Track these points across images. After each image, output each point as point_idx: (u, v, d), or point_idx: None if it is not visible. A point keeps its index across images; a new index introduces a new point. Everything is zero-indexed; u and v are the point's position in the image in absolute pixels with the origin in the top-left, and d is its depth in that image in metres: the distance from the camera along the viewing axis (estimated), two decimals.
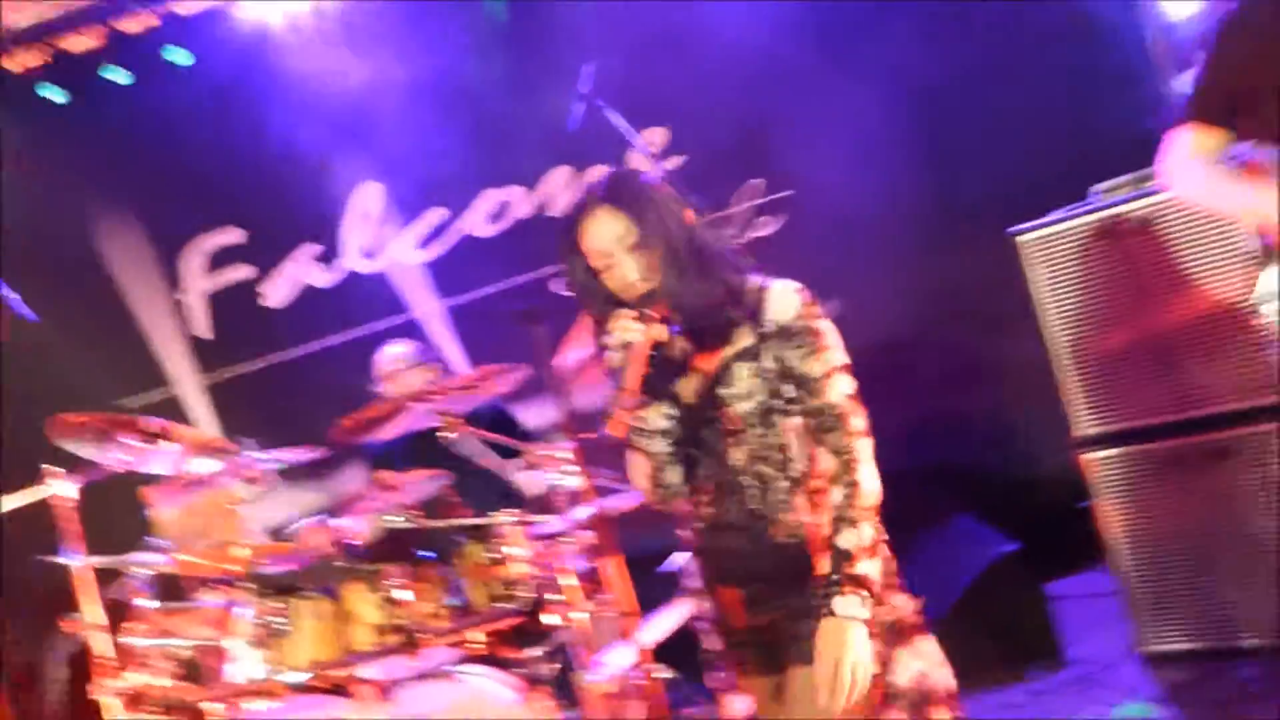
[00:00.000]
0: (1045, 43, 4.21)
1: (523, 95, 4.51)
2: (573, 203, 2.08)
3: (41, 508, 3.20)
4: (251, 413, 4.51)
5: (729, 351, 2.04)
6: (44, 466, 3.14)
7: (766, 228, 4.53)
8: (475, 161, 4.58)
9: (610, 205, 2.02)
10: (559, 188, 4.60)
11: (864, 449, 1.99)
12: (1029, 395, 3.79)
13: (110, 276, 4.64)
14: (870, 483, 1.98)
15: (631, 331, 1.99)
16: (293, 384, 4.64)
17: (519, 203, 4.62)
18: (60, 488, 3.16)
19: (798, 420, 2.02)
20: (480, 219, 4.63)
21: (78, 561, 3.14)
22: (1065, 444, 3.32)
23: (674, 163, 4.49)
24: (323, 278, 4.72)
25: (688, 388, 2.08)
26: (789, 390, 2.02)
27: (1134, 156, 3.26)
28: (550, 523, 3.16)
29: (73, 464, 3.23)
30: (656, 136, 4.52)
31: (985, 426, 4.37)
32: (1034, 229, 3.24)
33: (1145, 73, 4.03)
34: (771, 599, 2.05)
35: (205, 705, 3.13)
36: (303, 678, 3.03)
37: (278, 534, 3.75)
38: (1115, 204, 3.13)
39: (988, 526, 3.74)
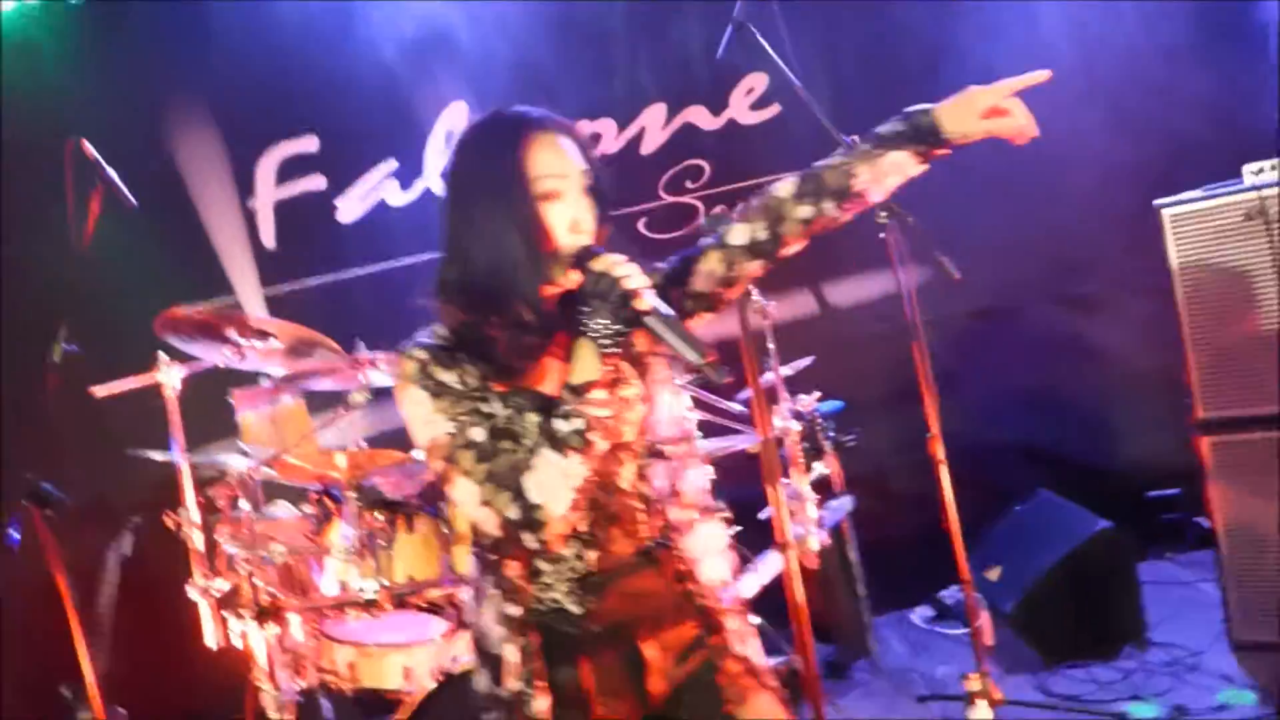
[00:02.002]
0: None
1: (628, 24, 4.41)
2: (506, 121, 1.71)
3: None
4: (317, 328, 4.38)
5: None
6: (157, 352, 3.03)
7: None
8: (568, 90, 4.46)
9: (569, 134, 1.71)
10: (654, 125, 4.48)
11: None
12: (1150, 371, 3.79)
13: (181, 179, 4.48)
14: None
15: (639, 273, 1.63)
16: (358, 302, 4.52)
17: (610, 137, 4.50)
18: (167, 375, 3.05)
19: None
20: None
21: (178, 457, 3.05)
22: (1179, 425, 3.28)
23: (772, 110, 4.42)
24: (399, 197, 4.59)
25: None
26: None
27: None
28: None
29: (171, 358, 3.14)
30: (756, 82, 4.43)
31: (1091, 405, 4.35)
32: (1179, 203, 3.18)
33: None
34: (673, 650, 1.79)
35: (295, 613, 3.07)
36: (399, 593, 2.96)
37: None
38: (1265, 186, 3.08)
39: (1078, 504, 3.71)
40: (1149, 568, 3.95)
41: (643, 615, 1.74)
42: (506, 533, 1.62)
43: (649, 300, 1.61)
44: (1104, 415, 4.36)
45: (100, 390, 3.04)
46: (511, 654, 1.70)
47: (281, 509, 3.52)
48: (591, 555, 1.72)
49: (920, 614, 4.17)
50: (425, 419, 1.65)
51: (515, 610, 1.71)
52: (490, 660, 1.72)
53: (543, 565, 1.71)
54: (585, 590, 1.72)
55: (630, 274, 1.61)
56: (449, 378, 1.66)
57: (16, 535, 3.05)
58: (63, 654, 3.13)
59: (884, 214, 3.12)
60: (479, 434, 1.64)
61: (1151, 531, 4.15)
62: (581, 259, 1.63)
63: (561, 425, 1.62)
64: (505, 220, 1.64)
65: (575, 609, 1.71)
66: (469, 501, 1.63)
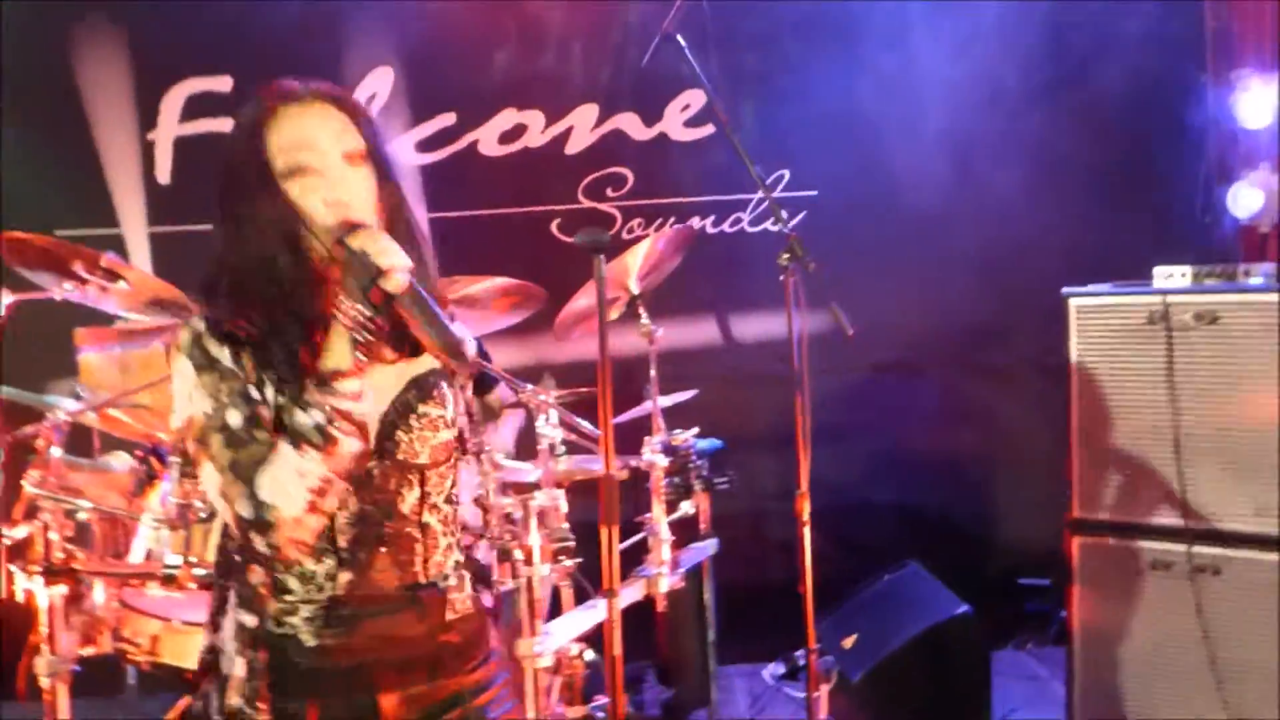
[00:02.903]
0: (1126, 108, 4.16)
1: (574, 16, 4.25)
2: (252, 99, 1.56)
3: None
4: (194, 272, 4.16)
5: (426, 361, 1.59)
6: None
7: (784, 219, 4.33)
8: (502, 75, 4.29)
9: (328, 102, 1.53)
10: (583, 126, 4.33)
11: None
12: (1032, 461, 3.73)
13: (82, 99, 4.23)
14: None
15: (400, 252, 1.46)
16: None
17: (535, 130, 4.33)
18: None
19: None
20: (493, 136, 4.33)
21: None
22: (1054, 518, 3.21)
23: (707, 130, 4.30)
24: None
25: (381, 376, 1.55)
26: None
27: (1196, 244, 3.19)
28: (526, 471, 2.94)
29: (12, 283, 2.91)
30: (693, 99, 4.30)
31: (977, 478, 4.27)
32: (1086, 295, 3.10)
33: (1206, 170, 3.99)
34: (421, 703, 1.59)
35: (86, 577, 2.85)
36: (203, 574, 2.75)
37: None
38: (1174, 291, 3.01)
39: (944, 583, 3.61)
40: (1006, 656, 3.89)
41: (389, 662, 1.55)
42: (240, 530, 1.45)
43: (400, 280, 1.44)
44: (990, 491, 4.31)
45: None
46: (239, 668, 1.52)
47: (117, 461, 3.30)
48: (344, 578, 1.53)
49: (771, 670, 4.05)
50: (187, 394, 1.48)
51: (251, 620, 1.52)
52: (220, 679, 1.54)
53: (290, 580, 1.52)
54: (328, 620, 1.53)
55: (386, 251, 1.44)
56: (224, 354, 1.48)
57: None
58: None
59: (786, 255, 3.00)
60: (235, 418, 1.46)
61: (1016, 618, 4.09)
62: (341, 236, 1.46)
63: (300, 418, 1.43)
64: (256, 210, 1.48)
65: (310, 639, 1.53)
66: (211, 489, 1.47)
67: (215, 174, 1.54)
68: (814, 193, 4.30)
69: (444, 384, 1.60)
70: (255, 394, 1.48)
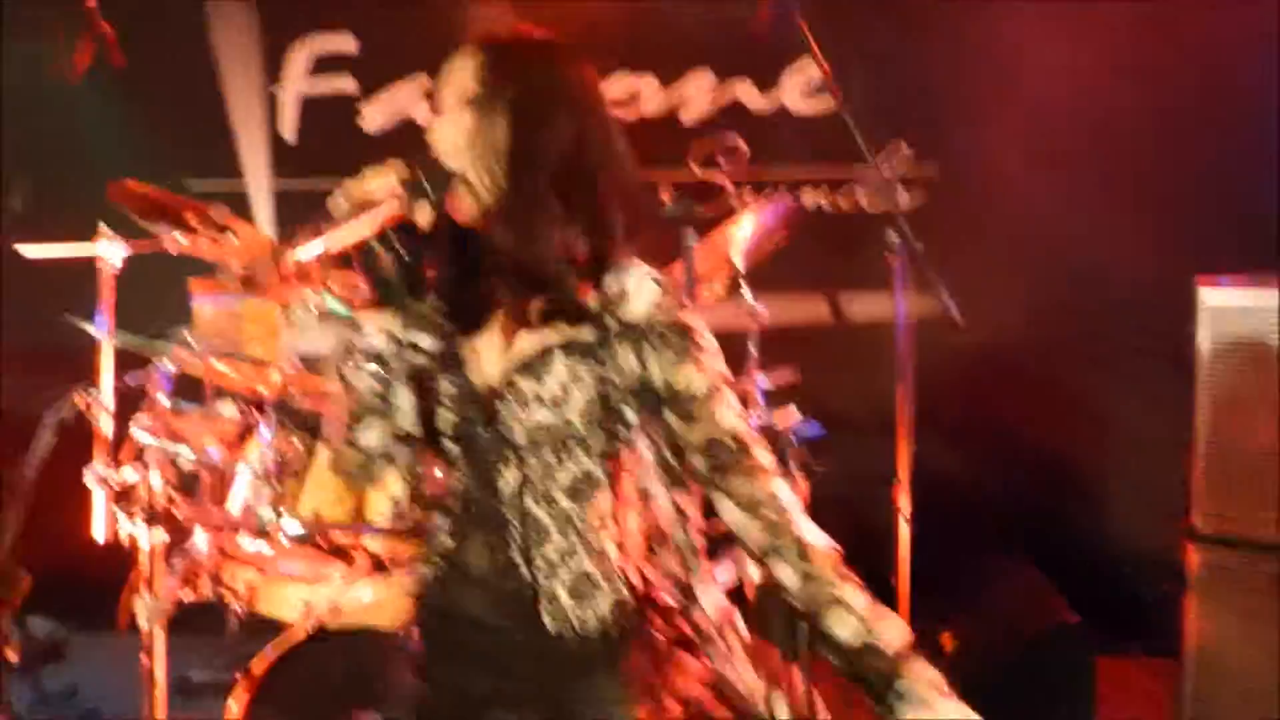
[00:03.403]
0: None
1: None
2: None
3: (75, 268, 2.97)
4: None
5: (551, 336, 1.45)
6: (100, 225, 2.89)
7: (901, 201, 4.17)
8: (614, 36, 4.22)
9: (480, 47, 1.48)
10: (698, 92, 4.23)
11: (787, 494, 1.41)
12: (1151, 461, 3.54)
13: (210, 52, 4.33)
14: (819, 536, 1.41)
15: (380, 187, 1.44)
16: None
17: (650, 96, 4.26)
18: (106, 250, 2.90)
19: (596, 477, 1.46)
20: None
21: (104, 334, 2.90)
22: (1172, 527, 3.03)
23: (825, 101, 4.15)
24: (426, 114, 4.40)
25: (481, 356, 1.48)
26: (628, 414, 1.45)
27: None
28: None
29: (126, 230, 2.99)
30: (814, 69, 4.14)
31: (1091, 476, 4.07)
32: (1220, 285, 2.89)
33: None
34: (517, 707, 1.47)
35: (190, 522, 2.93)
36: (298, 529, 2.81)
37: (313, 365, 3.50)
38: None
39: (1052, 583, 3.45)
40: (1113, 665, 3.70)
41: (480, 652, 1.55)
42: None
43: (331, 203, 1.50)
44: (1104, 491, 4.09)
45: (29, 251, 2.90)
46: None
47: (227, 409, 3.39)
48: (447, 542, 1.56)
49: None
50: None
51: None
52: None
53: (426, 531, 1.62)
54: (437, 583, 1.57)
55: (372, 175, 1.47)
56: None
57: None
58: None
59: (893, 235, 2.87)
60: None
61: (1127, 627, 3.89)
62: None
63: None
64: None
65: (426, 594, 1.60)
66: None
67: None
68: (935, 167, 4.13)
69: (559, 357, 1.44)
70: None
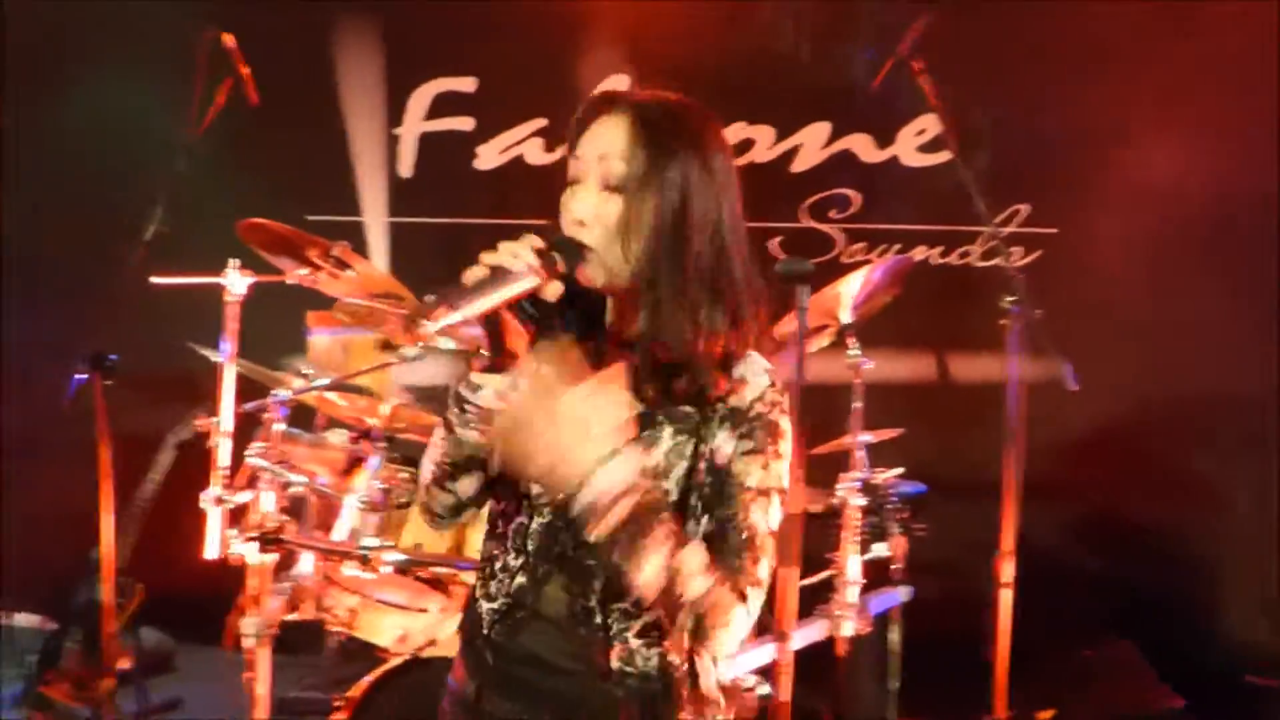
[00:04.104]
0: None
1: (816, 32, 4.16)
2: (592, 100, 1.52)
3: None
4: (428, 266, 4.34)
5: (660, 406, 1.45)
6: (230, 259, 3.01)
7: (1014, 259, 4.11)
8: (736, 87, 4.25)
9: (632, 116, 1.44)
10: (813, 144, 4.24)
11: (755, 604, 1.42)
12: (1258, 546, 3.40)
13: (338, 93, 4.49)
14: (731, 645, 1.44)
15: (518, 257, 1.39)
16: (472, 251, 4.44)
17: (764, 145, 4.28)
18: (233, 281, 3.02)
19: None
20: None
21: (226, 359, 3.02)
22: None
23: (941, 156, 4.11)
24: (540, 156, 4.49)
25: None
26: (705, 489, 1.45)
27: None
28: None
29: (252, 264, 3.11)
30: (930, 123, 4.12)
31: (1202, 558, 3.93)
32: None
33: None
34: None
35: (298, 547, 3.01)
36: (399, 559, 2.86)
37: (421, 399, 3.57)
38: None
39: (1156, 667, 3.32)
40: None
41: (539, 688, 1.53)
42: None
43: (472, 272, 1.41)
44: (1215, 574, 3.93)
45: (159, 281, 3.03)
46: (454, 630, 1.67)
47: (335, 438, 3.48)
48: (520, 581, 1.55)
49: None
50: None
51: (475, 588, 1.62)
52: None
53: (495, 567, 1.57)
54: (502, 618, 1.55)
55: (507, 250, 1.40)
56: None
57: (80, 377, 3.11)
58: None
59: (1011, 298, 2.83)
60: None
61: (1231, 713, 3.71)
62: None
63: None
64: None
65: (486, 629, 1.56)
66: None
67: None
68: (1054, 230, 4.05)
69: (668, 430, 1.45)
70: None
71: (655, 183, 1.42)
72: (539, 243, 1.41)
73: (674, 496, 1.45)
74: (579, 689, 1.50)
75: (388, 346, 3.14)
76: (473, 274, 1.39)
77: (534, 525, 1.50)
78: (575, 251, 1.44)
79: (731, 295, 1.44)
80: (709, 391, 1.44)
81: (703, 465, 1.45)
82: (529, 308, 1.42)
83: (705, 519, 1.44)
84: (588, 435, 1.35)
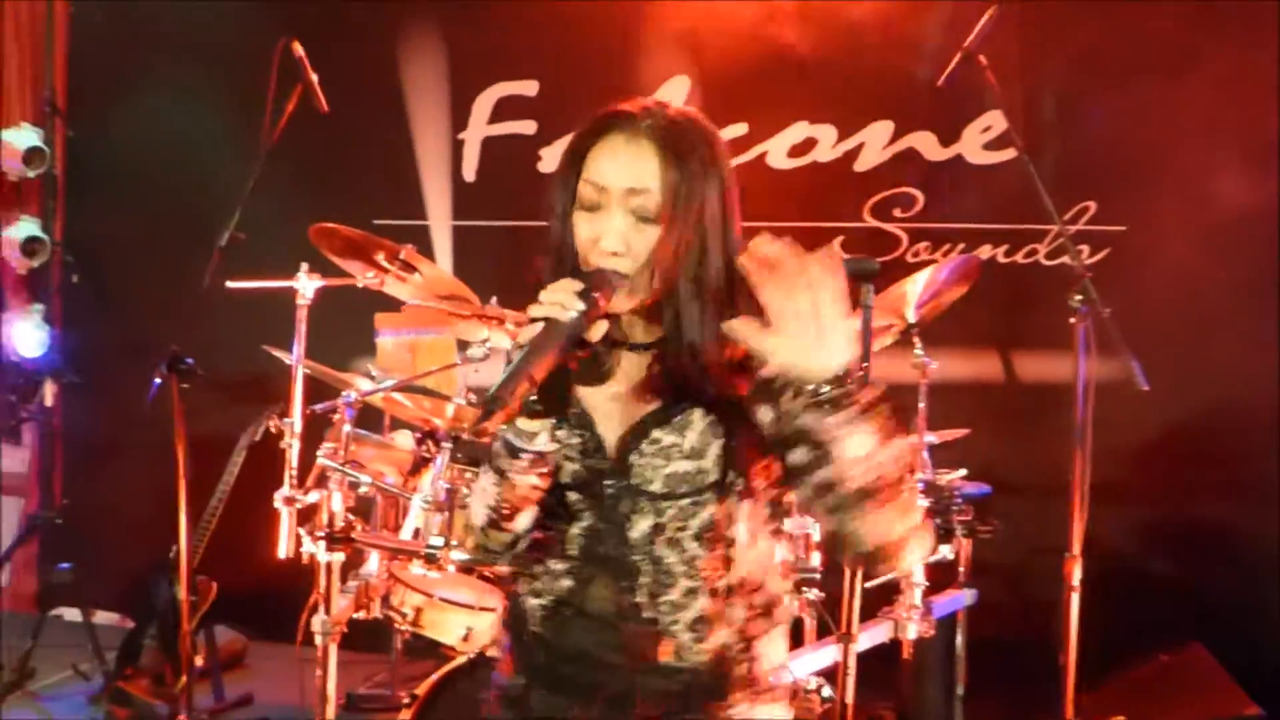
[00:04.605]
0: None
1: (878, 30, 4.12)
2: (595, 118, 1.51)
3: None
4: (490, 268, 4.39)
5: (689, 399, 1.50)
6: (303, 264, 3.08)
7: (1081, 257, 4.04)
8: (795, 86, 4.24)
9: (656, 144, 1.44)
10: (875, 143, 4.21)
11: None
12: None
13: (404, 99, 4.57)
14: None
15: (567, 308, 1.39)
16: (533, 254, 4.48)
17: (826, 144, 4.26)
18: (303, 284, 3.09)
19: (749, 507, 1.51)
20: (783, 148, 4.30)
21: (296, 361, 3.08)
22: None
23: (1007, 154, 4.05)
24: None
25: (609, 409, 1.54)
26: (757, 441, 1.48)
27: None
28: None
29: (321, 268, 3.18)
30: (995, 120, 4.06)
31: (1270, 563, 3.82)
32: None
33: None
34: None
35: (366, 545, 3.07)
36: (464, 558, 2.90)
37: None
38: None
39: (1232, 674, 3.24)
40: None
41: (586, 682, 1.54)
42: None
43: (527, 331, 1.40)
44: None
45: (235, 285, 3.11)
46: (500, 631, 1.65)
47: (402, 439, 3.54)
48: (565, 584, 1.55)
49: None
50: None
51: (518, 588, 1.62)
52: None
53: (538, 568, 1.57)
54: (549, 615, 1.55)
55: (551, 300, 1.39)
56: None
57: (158, 382, 3.20)
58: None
59: (1079, 296, 2.79)
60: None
61: None
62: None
63: (497, 441, 1.49)
64: (555, 230, 1.51)
65: (535, 625, 1.56)
66: None
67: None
68: (1122, 228, 3.97)
69: (697, 412, 1.50)
70: None
71: (686, 212, 1.45)
72: (578, 285, 1.41)
73: (713, 476, 1.49)
74: (629, 683, 1.52)
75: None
76: (527, 334, 1.40)
77: (574, 530, 1.53)
78: (607, 284, 1.44)
79: (743, 299, 1.45)
80: (731, 391, 1.48)
81: (758, 438, 1.47)
82: (573, 346, 1.42)
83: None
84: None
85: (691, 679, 1.52)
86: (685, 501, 1.50)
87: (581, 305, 1.40)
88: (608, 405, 1.53)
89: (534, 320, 1.40)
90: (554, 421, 1.45)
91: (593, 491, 1.52)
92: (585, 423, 1.53)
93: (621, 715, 1.52)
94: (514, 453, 1.45)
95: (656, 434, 1.51)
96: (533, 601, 1.56)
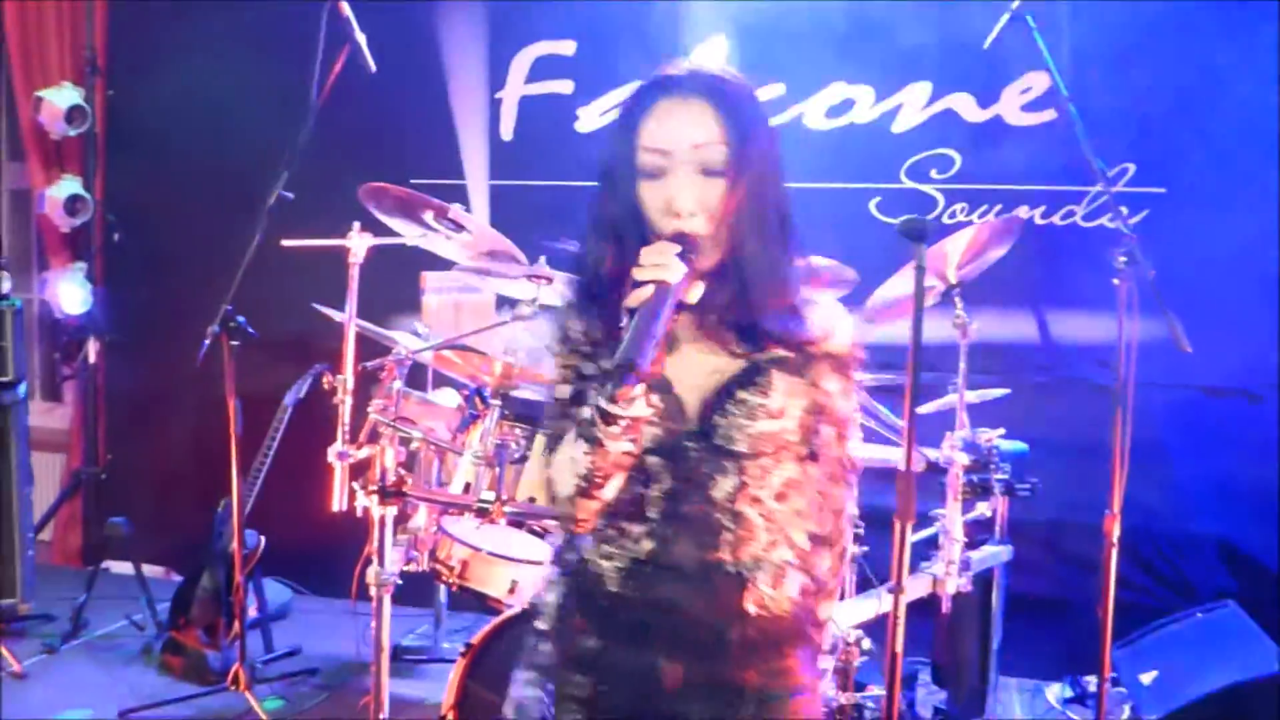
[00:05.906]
0: None
1: None
2: (642, 87, 1.54)
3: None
4: (527, 226, 4.42)
5: (760, 355, 1.56)
6: (355, 223, 3.13)
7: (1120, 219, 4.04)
8: (830, 48, 4.22)
9: (707, 101, 1.50)
10: (913, 104, 4.20)
11: (848, 529, 1.63)
12: None
13: (442, 59, 4.58)
14: (816, 563, 1.59)
15: (673, 269, 1.44)
16: (572, 213, 4.50)
17: (864, 105, 4.26)
18: (355, 243, 3.14)
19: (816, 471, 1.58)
20: (820, 109, 4.30)
21: (349, 318, 3.13)
22: None
23: (1046, 115, 4.05)
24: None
25: (686, 373, 1.57)
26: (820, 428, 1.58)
27: None
28: None
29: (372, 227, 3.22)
30: (1035, 81, 4.06)
31: None
32: None
33: None
34: (703, 683, 1.57)
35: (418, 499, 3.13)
36: (516, 512, 2.95)
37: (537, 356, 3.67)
38: None
39: (1267, 633, 3.28)
40: None
41: (674, 632, 1.58)
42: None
43: (639, 293, 1.43)
44: None
45: (288, 243, 3.15)
46: (554, 594, 1.64)
47: (445, 397, 3.60)
48: (647, 545, 1.57)
49: (1056, 691, 3.84)
50: (552, 368, 1.62)
51: (572, 555, 1.63)
52: (538, 604, 1.69)
53: (610, 530, 1.59)
54: (630, 574, 1.58)
55: (654, 264, 1.44)
56: (576, 329, 1.59)
57: (207, 341, 3.27)
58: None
59: (1123, 257, 2.81)
60: (563, 391, 1.57)
61: None
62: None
63: (584, 410, 1.50)
64: (609, 201, 1.53)
65: (613, 585, 1.59)
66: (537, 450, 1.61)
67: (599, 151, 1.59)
68: (1162, 190, 3.97)
69: (776, 374, 1.55)
70: (588, 368, 1.56)
71: (747, 162, 1.50)
72: (675, 247, 1.46)
73: (795, 437, 1.56)
74: (714, 634, 1.57)
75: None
76: (638, 297, 1.44)
77: (654, 492, 1.55)
78: (691, 242, 1.49)
79: (795, 248, 1.57)
80: (795, 335, 1.55)
81: (820, 403, 1.57)
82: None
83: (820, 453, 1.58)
84: None
85: (771, 627, 1.57)
86: (767, 460, 1.55)
87: (684, 267, 1.44)
88: (682, 367, 1.57)
89: (640, 284, 1.43)
90: (646, 386, 1.47)
91: (673, 454, 1.55)
92: (663, 386, 1.56)
93: (710, 664, 1.57)
94: (607, 419, 1.46)
95: (741, 394, 1.55)
96: (606, 564, 1.58)
